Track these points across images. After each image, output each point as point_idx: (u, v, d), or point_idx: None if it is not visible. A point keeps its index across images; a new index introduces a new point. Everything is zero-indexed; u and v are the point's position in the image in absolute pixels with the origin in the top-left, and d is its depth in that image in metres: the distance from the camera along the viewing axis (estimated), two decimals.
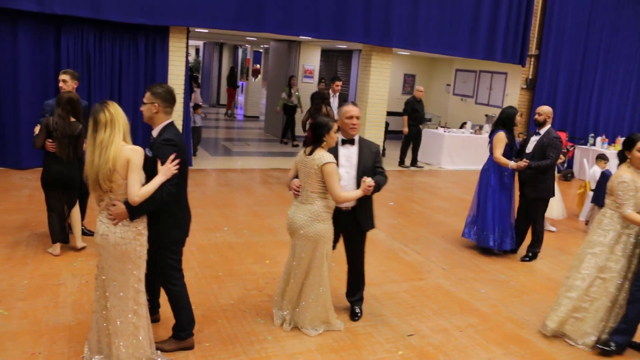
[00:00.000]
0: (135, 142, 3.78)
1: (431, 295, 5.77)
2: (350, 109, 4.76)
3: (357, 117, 4.78)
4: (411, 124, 12.49)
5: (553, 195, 7.06)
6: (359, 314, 5.09)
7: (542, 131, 6.85)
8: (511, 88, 14.65)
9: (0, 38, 9.21)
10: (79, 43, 9.64)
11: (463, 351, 4.69)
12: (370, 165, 4.78)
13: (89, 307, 4.78)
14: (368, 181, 4.53)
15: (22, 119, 9.48)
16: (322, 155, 4.44)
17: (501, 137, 6.87)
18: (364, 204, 4.83)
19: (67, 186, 5.88)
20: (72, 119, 5.74)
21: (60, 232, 5.94)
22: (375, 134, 12.27)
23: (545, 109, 6.90)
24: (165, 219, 3.97)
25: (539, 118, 6.88)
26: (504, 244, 7.05)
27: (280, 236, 7.17)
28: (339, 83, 11.59)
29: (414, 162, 12.96)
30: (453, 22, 12.19)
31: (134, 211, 3.68)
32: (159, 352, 4.07)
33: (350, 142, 4.80)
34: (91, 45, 9.74)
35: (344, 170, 4.71)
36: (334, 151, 4.64)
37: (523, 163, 6.68)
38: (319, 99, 9.79)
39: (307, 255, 4.57)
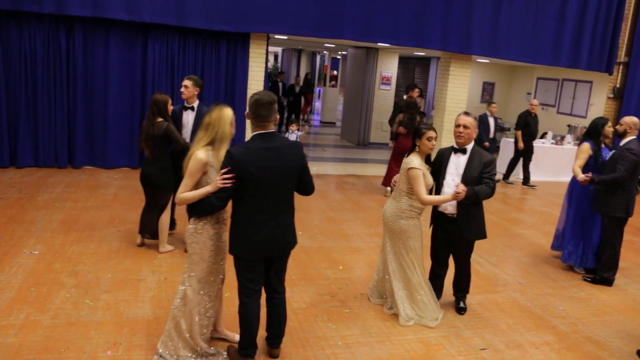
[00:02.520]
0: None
1: (506, 309, 5.62)
2: (459, 117, 5.01)
3: (464, 126, 4.93)
4: (523, 139, 11.70)
5: (627, 214, 6.31)
6: (464, 308, 5.41)
7: (623, 142, 6.45)
8: (596, 97, 14.07)
9: (95, 45, 9.80)
10: (164, 49, 10.07)
11: None
12: (476, 174, 4.87)
13: (166, 303, 4.98)
14: (459, 187, 4.62)
15: (110, 121, 10.01)
16: (411, 159, 4.85)
17: (584, 148, 6.61)
18: (467, 211, 4.97)
19: (149, 185, 6.15)
20: (159, 119, 5.98)
21: (141, 226, 6.32)
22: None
23: (627, 120, 6.42)
24: (230, 230, 3.96)
25: (619, 128, 6.52)
26: (584, 261, 6.78)
27: (354, 242, 7.19)
28: (417, 90, 11.46)
29: (526, 181, 12.08)
30: (535, 29, 11.84)
31: (188, 210, 4.00)
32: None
33: (462, 151, 4.99)
34: (175, 51, 10.14)
35: (450, 178, 5.00)
36: (446, 159, 5.01)
37: (587, 177, 6.25)
38: (414, 108, 9.55)
39: (392, 248, 5.07)
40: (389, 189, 9.97)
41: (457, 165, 4.99)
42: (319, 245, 6.99)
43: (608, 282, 6.51)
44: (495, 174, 4.92)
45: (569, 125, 14.38)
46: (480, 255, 7.19)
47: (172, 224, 6.68)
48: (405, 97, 10.48)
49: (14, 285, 5.10)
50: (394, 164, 9.82)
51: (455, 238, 5.16)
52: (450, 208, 5.05)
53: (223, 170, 3.69)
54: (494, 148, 12.16)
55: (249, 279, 3.96)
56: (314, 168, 11.99)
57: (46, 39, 9.52)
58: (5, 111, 9.48)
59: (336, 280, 5.91)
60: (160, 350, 4.09)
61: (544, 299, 5.98)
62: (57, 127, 9.78)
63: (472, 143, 5.02)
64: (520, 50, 11.87)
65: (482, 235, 5.11)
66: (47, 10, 9.07)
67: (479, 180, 4.85)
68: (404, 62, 19.61)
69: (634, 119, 6.46)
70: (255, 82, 10.59)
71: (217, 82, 10.48)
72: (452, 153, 5.06)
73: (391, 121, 10.17)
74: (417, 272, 5.06)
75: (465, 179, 4.87)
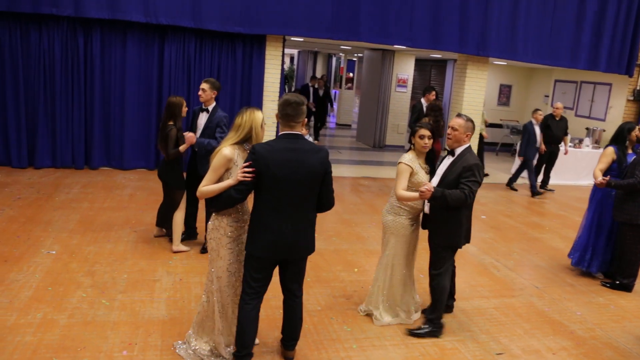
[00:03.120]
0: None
1: (522, 313, 5.56)
2: (452, 120, 4.89)
3: (452, 128, 4.78)
4: (544, 142, 11.32)
5: None
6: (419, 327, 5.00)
7: None
8: (616, 100, 13.91)
9: (112, 47, 9.88)
10: (180, 51, 10.12)
11: None
12: (452, 178, 4.63)
13: (182, 304, 5.00)
14: (426, 186, 4.47)
15: (127, 123, 10.08)
16: (404, 155, 4.93)
17: (607, 152, 6.52)
18: (438, 214, 4.77)
19: (163, 182, 6.33)
20: (170, 122, 6.05)
21: (158, 218, 6.66)
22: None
23: None
24: (248, 227, 3.98)
25: (639, 134, 6.45)
26: (591, 265, 6.72)
27: (369, 245, 7.17)
28: (433, 93, 11.36)
29: (544, 184, 11.89)
30: (553, 30, 11.72)
31: (207, 204, 4.10)
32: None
33: (451, 152, 4.85)
34: (192, 52, 10.19)
35: (435, 178, 4.85)
36: (440, 160, 4.94)
37: (603, 180, 6.13)
38: (437, 111, 9.48)
39: (383, 240, 5.13)
40: None
41: (443, 166, 4.85)
42: (334, 247, 6.98)
43: (628, 288, 6.40)
44: (474, 181, 4.53)
45: (587, 128, 14.22)
46: (497, 259, 7.13)
47: (194, 234, 6.73)
48: (422, 99, 10.41)
49: (32, 285, 5.15)
50: None
51: (429, 236, 4.98)
52: (426, 209, 4.96)
53: (245, 164, 3.74)
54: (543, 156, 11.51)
55: (255, 278, 3.92)
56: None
57: (64, 41, 9.62)
58: (24, 112, 9.60)
59: (351, 283, 5.89)
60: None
61: (562, 303, 5.91)
62: (74, 128, 9.88)
63: (465, 146, 4.75)
64: (538, 52, 11.76)
65: (449, 242, 4.76)
66: (65, 13, 9.16)
67: (456, 184, 4.59)
68: (420, 64, 19.53)
69: None
70: (271, 84, 10.61)
71: (233, 84, 10.51)
72: (445, 154, 4.96)
73: (412, 124, 10.11)
74: (388, 270, 5.02)
75: (442, 181, 4.69)
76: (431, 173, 4.96)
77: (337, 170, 11.92)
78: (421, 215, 5.07)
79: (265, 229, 3.82)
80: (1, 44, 9.38)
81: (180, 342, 4.33)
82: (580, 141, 13.32)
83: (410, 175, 4.81)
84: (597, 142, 13.43)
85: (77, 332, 4.40)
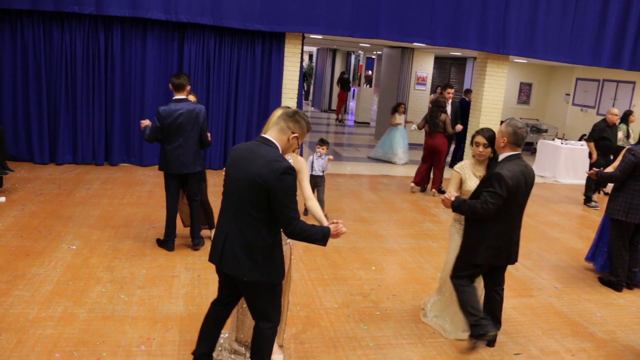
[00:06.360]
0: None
1: (541, 314, 5.52)
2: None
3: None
4: (598, 153, 10.12)
5: (627, 218, 6.06)
6: None
7: None
8: (639, 99, 13.71)
9: (132, 44, 9.96)
10: (200, 48, 10.17)
11: None
12: (478, 188, 4.48)
13: (199, 300, 5.03)
14: (448, 194, 4.48)
15: (147, 119, 10.12)
16: (461, 162, 4.95)
17: (624, 151, 6.45)
18: (465, 223, 4.64)
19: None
20: None
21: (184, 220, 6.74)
22: None
23: None
24: None
25: None
26: (596, 263, 6.73)
27: (387, 243, 7.15)
28: (451, 90, 11.28)
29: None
30: (575, 28, 11.56)
31: None
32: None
33: (494, 159, 4.68)
34: (211, 50, 10.24)
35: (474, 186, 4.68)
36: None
37: (594, 170, 6.32)
38: (436, 106, 9.80)
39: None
40: (412, 184, 10.24)
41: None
42: (351, 245, 6.97)
43: (614, 286, 6.33)
44: (491, 192, 4.24)
45: None
46: None
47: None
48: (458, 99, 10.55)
49: (53, 279, 5.22)
50: (422, 163, 10.13)
51: None
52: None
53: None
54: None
55: (218, 281, 3.71)
56: (348, 168, 11.97)
57: (86, 39, 9.72)
58: (46, 109, 9.72)
59: (368, 281, 5.89)
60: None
61: (581, 304, 5.85)
62: (95, 125, 9.99)
63: (505, 154, 4.43)
64: (559, 50, 11.62)
65: (464, 253, 4.60)
66: (87, 11, 9.25)
67: (478, 194, 4.42)
68: (439, 62, 19.44)
69: None
70: (290, 82, 10.63)
71: (252, 81, 10.54)
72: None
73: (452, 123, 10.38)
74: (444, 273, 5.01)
75: (476, 189, 4.51)
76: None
77: (355, 168, 11.95)
78: None
79: (216, 232, 3.53)
80: (25, 42, 9.51)
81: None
82: None
83: (460, 181, 4.77)
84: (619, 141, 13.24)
85: (97, 326, 4.45)
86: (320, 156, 7.81)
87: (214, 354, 4.06)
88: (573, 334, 5.16)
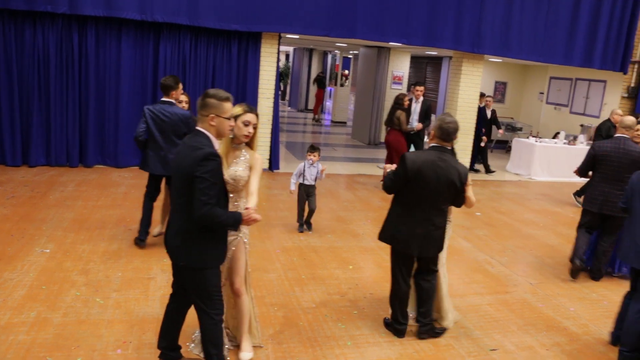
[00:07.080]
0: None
1: (516, 310, 5.59)
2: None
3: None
4: None
5: (591, 208, 6.41)
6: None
7: None
8: (610, 97, 13.95)
9: (106, 44, 9.84)
10: (175, 48, 10.10)
11: None
12: None
13: None
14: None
15: (122, 120, 10.05)
16: None
17: None
18: None
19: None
20: None
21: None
22: (464, 142, 12.03)
23: (616, 117, 6.64)
24: None
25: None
26: (588, 259, 6.80)
27: (363, 242, 7.18)
28: (420, 88, 11.15)
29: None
30: (548, 28, 11.74)
31: None
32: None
33: None
34: (187, 50, 10.18)
35: None
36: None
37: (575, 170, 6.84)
38: (395, 103, 10.13)
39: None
40: (382, 182, 10.24)
41: None
42: (329, 244, 6.98)
43: (593, 276, 6.66)
44: (394, 170, 4.62)
45: (581, 125, 14.28)
46: (491, 255, 7.16)
47: None
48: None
49: (26, 283, 5.14)
50: (386, 159, 10.31)
51: None
52: None
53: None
54: None
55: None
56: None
57: (59, 39, 9.57)
58: (18, 110, 9.55)
59: (346, 280, 5.90)
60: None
61: (555, 299, 5.94)
62: (68, 126, 9.84)
63: (430, 145, 4.67)
64: (533, 49, 11.79)
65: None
66: (60, 11, 9.12)
67: None
68: (415, 61, 19.55)
69: (624, 118, 6.52)
70: (267, 82, 10.62)
71: (229, 82, 10.49)
72: None
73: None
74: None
75: None
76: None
77: (332, 168, 11.94)
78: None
79: None
80: None
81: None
82: (575, 138, 13.36)
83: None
84: (591, 139, 13.46)
85: (71, 330, 4.39)
86: (312, 164, 7.27)
87: (192, 349, 4.22)
88: (547, 328, 5.23)
